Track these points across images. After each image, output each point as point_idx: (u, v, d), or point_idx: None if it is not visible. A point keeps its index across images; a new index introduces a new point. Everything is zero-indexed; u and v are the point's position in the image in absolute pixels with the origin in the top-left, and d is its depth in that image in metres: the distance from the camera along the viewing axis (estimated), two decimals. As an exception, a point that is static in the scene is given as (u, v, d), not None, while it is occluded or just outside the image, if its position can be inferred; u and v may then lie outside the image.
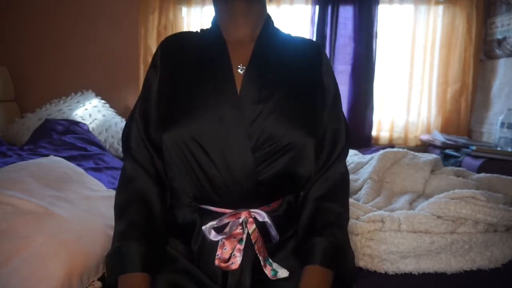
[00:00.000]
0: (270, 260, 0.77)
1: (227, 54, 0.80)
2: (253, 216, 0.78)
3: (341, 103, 0.90)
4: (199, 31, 0.88)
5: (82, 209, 1.02)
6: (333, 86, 0.87)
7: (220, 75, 0.78)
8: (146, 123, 0.82)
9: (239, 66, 0.79)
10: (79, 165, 1.46)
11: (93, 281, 0.91)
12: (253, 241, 0.77)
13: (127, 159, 0.83)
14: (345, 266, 0.77)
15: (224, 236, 0.76)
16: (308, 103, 0.81)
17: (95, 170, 1.57)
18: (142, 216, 0.78)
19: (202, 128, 0.74)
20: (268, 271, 0.76)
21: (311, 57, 0.86)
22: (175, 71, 0.82)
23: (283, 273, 0.75)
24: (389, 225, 1.00)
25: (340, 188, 0.85)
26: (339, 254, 0.76)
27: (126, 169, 0.83)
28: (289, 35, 0.89)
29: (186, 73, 0.81)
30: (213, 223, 0.77)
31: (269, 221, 0.77)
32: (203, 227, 0.77)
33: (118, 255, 0.74)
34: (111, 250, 0.76)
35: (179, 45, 0.85)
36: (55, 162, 1.23)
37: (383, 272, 0.98)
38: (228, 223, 0.78)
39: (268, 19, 0.85)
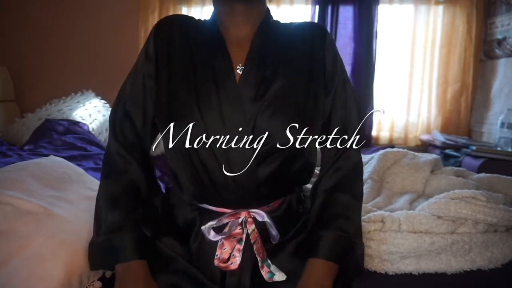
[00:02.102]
0: (269, 262, 0.77)
1: (227, 55, 0.79)
2: (252, 216, 0.78)
3: (351, 89, 0.87)
4: (201, 19, 0.87)
5: (82, 209, 1.02)
6: (338, 71, 0.85)
7: (221, 75, 0.78)
8: (141, 115, 0.83)
9: (238, 67, 0.79)
10: (79, 165, 1.46)
11: (93, 281, 0.91)
12: (252, 241, 0.77)
13: (116, 147, 0.82)
14: (351, 259, 0.77)
15: (223, 236, 0.76)
16: (307, 94, 0.80)
17: (95, 170, 1.57)
18: (136, 210, 0.79)
19: (206, 128, 0.74)
20: (265, 272, 0.75)
21: (313, 44, 0.84)
22: (174, 65, 0.81)
23: (280, 276, 0.75)
24: (389, 225, 1.00)
25: (352, 178, 0.83)
26: (345, 247, 0.76)
27: (117, 160, 0.82)
28: (290, 24, 0.87)
29: (186, 70, 0.80)
30: (212, 223, 0.76)
31: (269, 220, 0.77)
32: (203, 227, 0.77)
33: (111, 245, 0.75)
34: (100, 239, 0.77)
35: (176, 35, 0.83)
36: (55, 162, 1.23)
37: (383, 272, 0.98)
38: (227, 223, 0.77)
39: (266, 15, 0.84)
